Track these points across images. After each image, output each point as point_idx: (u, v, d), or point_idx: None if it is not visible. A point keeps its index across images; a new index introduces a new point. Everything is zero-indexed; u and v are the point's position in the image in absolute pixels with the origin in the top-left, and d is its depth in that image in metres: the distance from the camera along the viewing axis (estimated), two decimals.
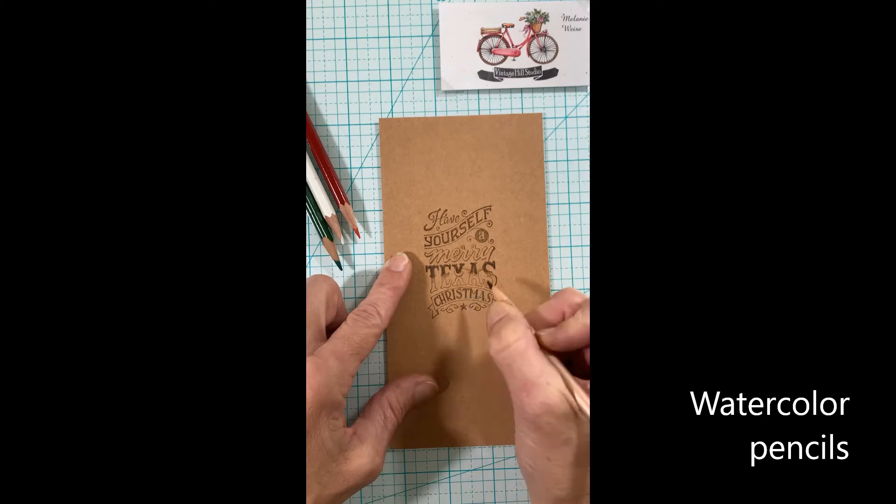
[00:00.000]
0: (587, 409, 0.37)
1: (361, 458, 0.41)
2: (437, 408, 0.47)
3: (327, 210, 0.46)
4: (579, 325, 0.40)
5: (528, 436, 0.39)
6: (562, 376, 0.38)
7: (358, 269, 0.48)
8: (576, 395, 0.38)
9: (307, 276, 0.47)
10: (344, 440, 0.41)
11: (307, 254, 0.48)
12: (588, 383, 0.39)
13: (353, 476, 0.41)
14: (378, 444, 0.43)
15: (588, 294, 0.42)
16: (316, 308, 0.42)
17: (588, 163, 0.48)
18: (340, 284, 0.47)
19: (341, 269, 0.47)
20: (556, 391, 0.37)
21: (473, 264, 0.48)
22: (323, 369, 0.40)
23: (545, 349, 0.40)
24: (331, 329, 0.44)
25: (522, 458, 0.40)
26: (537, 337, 0.41)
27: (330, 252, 0.47)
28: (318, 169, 0.47)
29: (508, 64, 0.48)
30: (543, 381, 0.38)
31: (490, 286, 0.46)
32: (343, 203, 0.47)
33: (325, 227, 0.47)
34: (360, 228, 0.48)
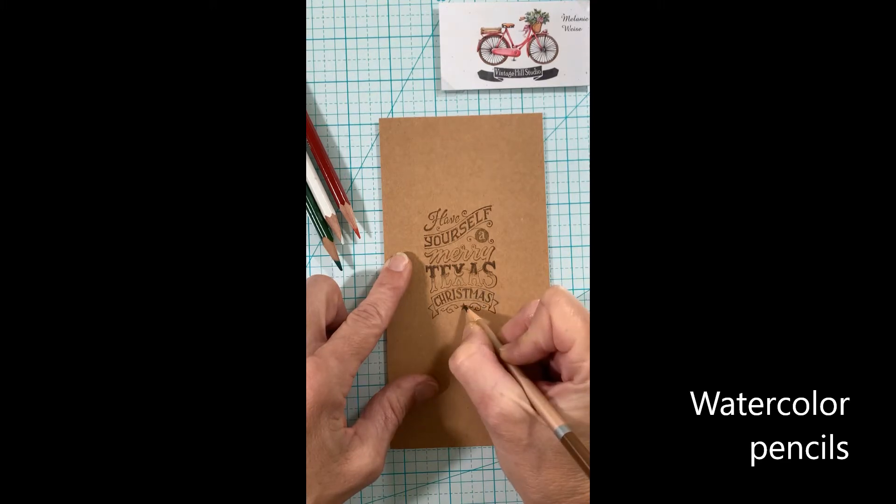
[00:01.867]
0: (548, 416, 0.38)
1: (362, 458, 0.41)
2: (437, 408, 0.47)
3: (327, 210, 0.46)
4: (529, 340, 0.41)
5: (496, 443, 0.41)
6: (521, 386, 0.40)
7: (358, 269, 0.48)
8: (534, 402, 0.39)
9: (307, 276, 0.47)
10: (345, 440, 0.41)
11: (307, 254, 0.48)
12: (557, 388, 0.40)
13: (354, 477, 0.41)
14: (379, 444, 0.43)
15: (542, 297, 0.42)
16: (316, 308, 0.42)
17: (588, 163, 0.48)
18: (340, 284, 0.47)
19: (341, 269, 0.47)
20: (510, 401, 0.39)
21: (473, 264, 0.48)
22: (323, 369, 0.40)
23: (505, 363, 0.42)
24: (331, 329, 0.44)
25: (501, 465, 0.42)
26: (498, 353, 0.42)
27: (330, 252, 0.47)
28: (318, 169, 0.47)
29: (508, 64, 0.48)
30: (497, 393, 0.39)
31: (465, 309, 0.47)
32: (343, 203, 0.47)
33: (325, 227, 0.47)
34: (360, 228, 0.48)
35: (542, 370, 0.44)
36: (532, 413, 0.39)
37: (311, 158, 0.47)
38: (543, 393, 0.40)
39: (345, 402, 0.41)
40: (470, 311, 0.47)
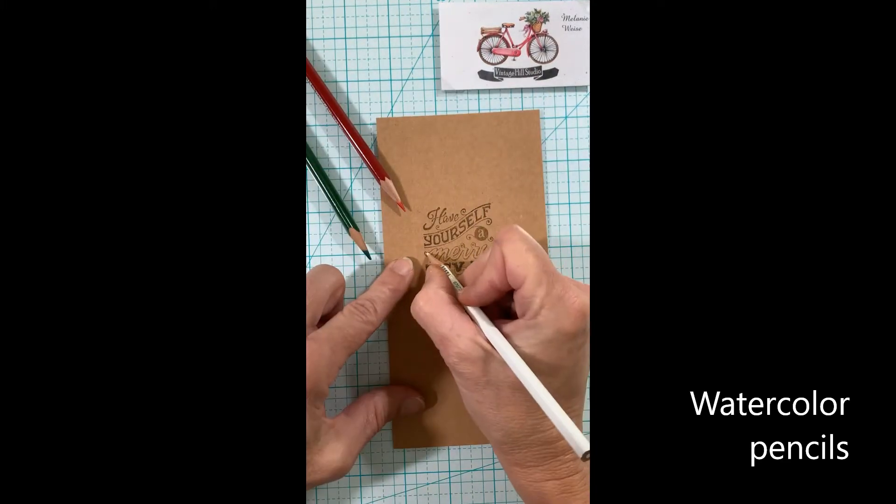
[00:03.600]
0: (501, 350, 0.38)
1: (334, 453, 0.42)
2: (437, 407, 0.47)
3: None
4: (485, 279, 0.41)
5: (458, 383, 0.41)
6: (477, 326, 0.40)
7: (357, 268, 0.48)
8: (489, 339, 0.39)
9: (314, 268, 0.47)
10: (321, 430, 0.41)
11: (307, 254, 0.48)
12: (511, 325, 0.40)
13: (322, 470, 0.41)
14: (353, 444, 0.43)
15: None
16: (320, 297, 0.42)
17: (588, 163, 0.48)
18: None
19: (370, 257, 0.47)
20: (467, 340, 0.39)
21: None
22: (316, 356, 0.40)
23: (464, 304, 0.42)
24: (325, 319, 0.44)
25: (466, 405, 0.42)
26: (458, 294, 0.43)
27: (357, 242, 0.47)
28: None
29: (508, 64, 0.48)
30: (454, 335, 0.40)
31: (427, 255, 0.48)
32: (383, 179, 0.47)
33: (349, 217, 0.47)
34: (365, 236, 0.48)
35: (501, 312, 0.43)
36: (489, 349, 0.39)
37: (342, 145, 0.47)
38: (500, 330, 0.40)
39: (328, 392, 0.41)
40: (429, 255, 0.47)
